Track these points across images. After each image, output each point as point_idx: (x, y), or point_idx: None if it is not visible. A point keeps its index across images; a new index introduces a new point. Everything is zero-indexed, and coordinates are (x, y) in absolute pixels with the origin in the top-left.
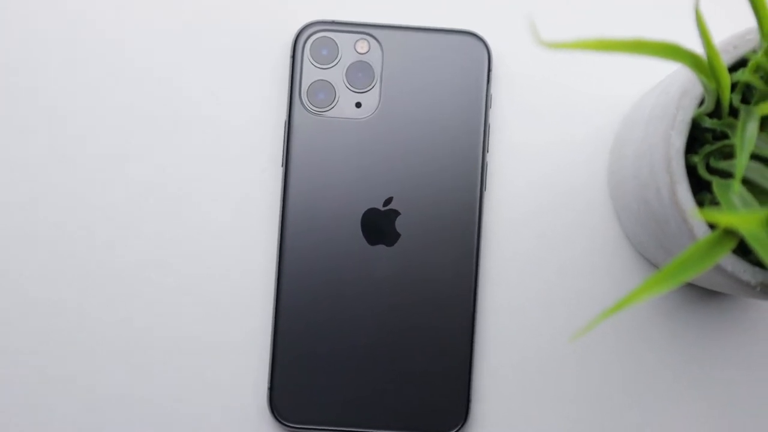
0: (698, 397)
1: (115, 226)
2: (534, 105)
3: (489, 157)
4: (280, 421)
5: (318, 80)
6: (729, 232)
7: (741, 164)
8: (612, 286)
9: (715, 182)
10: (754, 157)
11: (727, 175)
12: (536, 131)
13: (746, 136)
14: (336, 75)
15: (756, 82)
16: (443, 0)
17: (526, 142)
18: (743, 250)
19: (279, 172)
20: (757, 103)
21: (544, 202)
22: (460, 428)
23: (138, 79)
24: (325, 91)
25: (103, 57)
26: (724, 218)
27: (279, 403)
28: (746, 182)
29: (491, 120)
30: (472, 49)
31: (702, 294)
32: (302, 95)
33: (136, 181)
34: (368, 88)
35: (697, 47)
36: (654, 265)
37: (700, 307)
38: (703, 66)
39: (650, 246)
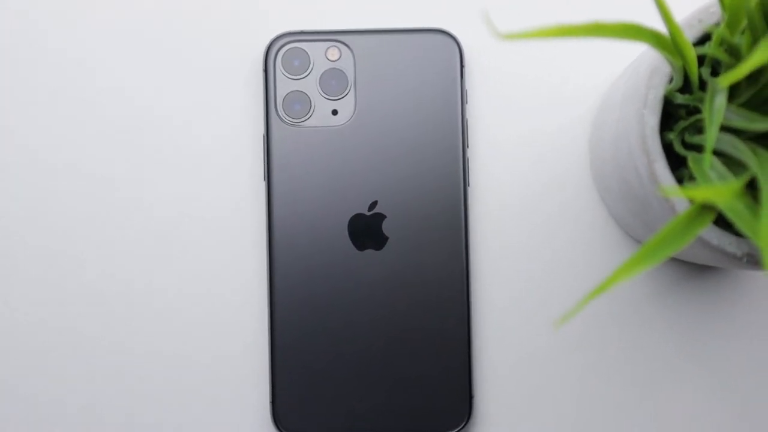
0: (699, 371)
1: (100, 248)
2: (510, 97)
3: (470, 153)
4: None
5: (292, 91)
6: (707, 206)
7: (711, 137)
8: (604, 269)
9: (691, 157)
10: (726, 129)
11: (702, 149)
12: (515, 123)
13: (714, 109)
14: (310, 84)
15: (720, 55)
16: (410, 0)
17: (506, 135)
18: (727, 223)
19: (262, 185)
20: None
21: (529, 192)
22: (464, 426)
23: (110, 99)
24: (300, 102)
25: (74, 78)
26: (699, 193)
27: (282, 414)
28: (721, 154)
29: (468, 115)
30: (443, 47)
31: (694, 270)
32: (278, 108)
33: (117, 204)
34: (343, 95)
35: (661, 26)
36: None
37: (693, 282)
38: (666, 43)
39: (637, 226)
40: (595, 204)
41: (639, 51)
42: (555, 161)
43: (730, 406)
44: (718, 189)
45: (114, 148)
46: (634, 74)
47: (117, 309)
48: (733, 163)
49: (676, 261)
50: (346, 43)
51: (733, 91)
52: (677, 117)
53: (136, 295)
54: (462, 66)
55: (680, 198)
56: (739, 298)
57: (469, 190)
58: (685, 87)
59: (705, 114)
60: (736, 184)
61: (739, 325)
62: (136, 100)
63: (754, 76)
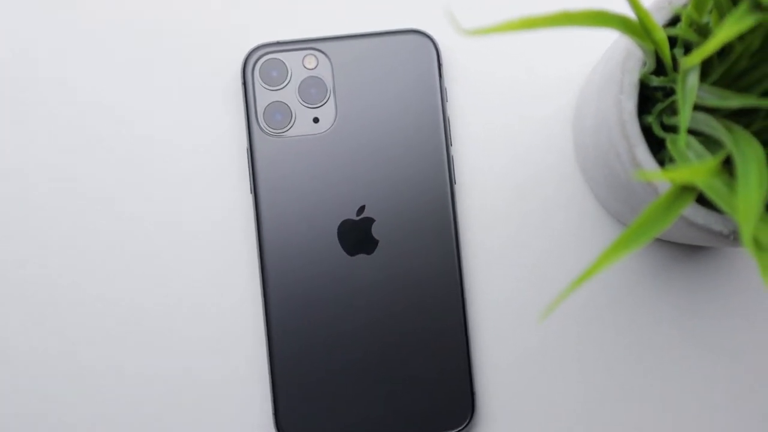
0: (697, 350)
1: (90, 270)
2: (490, 93)
3: (453, 151)
4: None
5: (272, 102)
6: (687, 187)
7: (684, 117)
8: (597, 257)
9: (669, 139)
10: (701, 108)
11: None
12: (497, 118)
13: (687, 89)
14: (289, 94)
15: (690, 35)
16: (383, 3)
17: (489, 131)
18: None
19: (249, 198)
20: None
21: (516, 186)
22: (467, 423)
23: (92, 116)
24: (281, 112)
25: (54, 96)
26: (676, 174)
27: (286, 424)
28: (699, 134)
29: (449, 113)
30: (420, 47)
31: (686, 250)
32: (259, 119)
33: (105, 224)
34: (323, 102)
35: (630, 11)
36: None
37: (686, 263)
38: (634, 27)
39: (625, 212)
40: (583, 193)
41: (613, 39)
42: (540, 153)
43: (729, 381)
44: (695, 169)
45: (98, 166)
46: (609, 61)
47: (111, 330)
48: (711, 142)
49: (667, 243)
50: (323, 50)
51: (706, 70)
52: (654, 100)
53: (129, 315)
54: (439, 64)
55: (662, 180)
56: (731, 276)
57: (456, 187)
58: (661, 69)
59: (678, 94)
60: (711, 162)
61: (734, 302)
62: (117, 117)
63: (725, 54)
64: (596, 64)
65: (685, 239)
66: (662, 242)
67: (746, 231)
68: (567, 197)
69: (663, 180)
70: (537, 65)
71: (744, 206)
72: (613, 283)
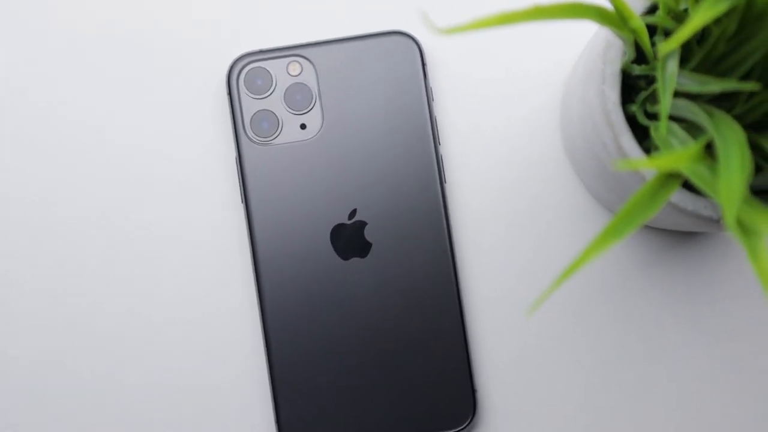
0: (697, 334)
1: (86, 285)
2: (476, 91)
3: (442, 150)
4: None
5: (259, 111)
6: (672, 173)
7: (665, 104)
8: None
9: (652, 126)
10: (682, 94)
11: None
12: (484, 115)
13: (667, 76)
14: (275, 102)
15: (668, 22)
16: (364, 7)
17: (477, 128)
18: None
19: (240, 208)
20: None
21: (507, 182)
22: (470, 422)
23: (79, 132)
24: (267, 120)
25: (40, 113)
26: (659, 162)
27: (289, 431)
28: (682, 120)
29: (436, 112)
30: (403, 47)
31: (680, 237)
32: (246, 129)
33: (98, 239)
34: (309, 108)
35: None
36: None
37: (681, 250)
38: (610, 17)
39: (616, 202)
40: (574, 185)
41: (595, 30)
42: (529, 148)
43: (729, 363)
44: (677, 155)
45: (88, 180)
46: (591, 53)
47: (109, 346)
48: (694, 128)
49: (661, 230)
50: (306, 56)
51: (686, 56)
52: (638, 89)
53: (126, 330)
54: (423, 64)
55: (648, 168)
56: (725, 260)
57: (447, 186)
58: (642, 58)
59: (658, 82)
60: (694, 148)
61: (728, 285)
62: (104, 131)
63: (704, 40)
64: (579, 56)
65: (677, 226)
66: (655, 230)
67: (729, 214)
68: (558, 190)
69: (647, 168)
70: (522, 60)
71: (726, 189)
72: (608, 274)
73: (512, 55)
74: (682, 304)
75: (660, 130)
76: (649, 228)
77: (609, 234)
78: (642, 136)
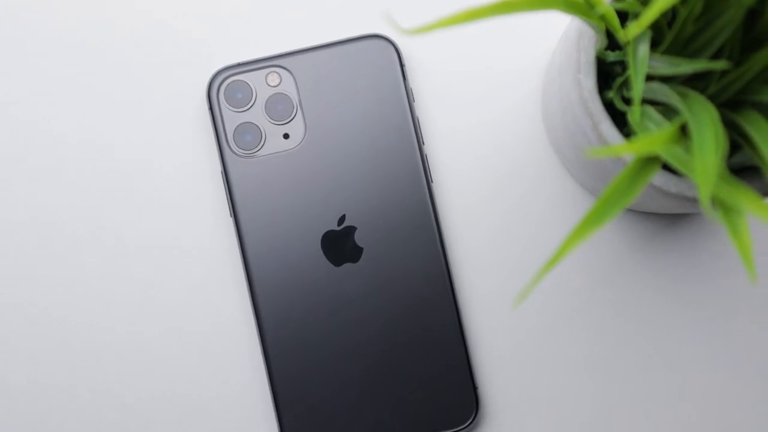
0: (694, 315)
1: (82, 303)
2: (457, 88)
3: (427, 149)
4: None
5: (241, 124)
6: (651, 157)
7: (637, 88)
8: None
9: (629, 111)
10: (656, 78)
11: (642, 102)
12: (466, 112)
13: (638, 59)
14: (257, 114)
15: (636, 8)
16: (339, 13)
17: (460, 125)
18: None
19: (229, 222)
20: None
21: (493, 177)
22: (473, 419)
23: (65, 149)
24: (250, 133)
25: (24, 129)
26: (634, 146)
27: None
28: (658, 104)
29: (418, 113)
30: (380, 51)
31: (669, 219)
32: (230, 142)
33: (90, 257)
34: (291, 118)
35: None
36: None
37: (672, 231)
38: (578, 5)
39: (602, 190)
40: (561, 176)
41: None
42: (513, 142)
43: (726, 341)
44: (652, 138)
45: (77, 198)
46: (565, 43)
47: (106, 363)
48: (670, 111)
49: (651, 215)
50: (284, 66)
51: (659, 39)
52: (614, 75)
53: (123, 346)
54: (402, 66)
55: (626, 154)
56: (715, 239)
57: (434, 186)
58: (617, 44)
59: (630, 66)
60: (668, 130)
61: (722, 263)
62: (90, 150)
63: (673, 20)
64: (555, 47)
65: (665, 209)
66: (646, 214)
67: (704, 192)
68: (545, 182)
69: (623, 153)
70: (501, 55)
71: (701, 168)
72: (601, 261)
73: (491, 51)
74: (676, 286)
75: (633, 114)
76: (639, 213)
77: (590, 221)
78: (623, 122)
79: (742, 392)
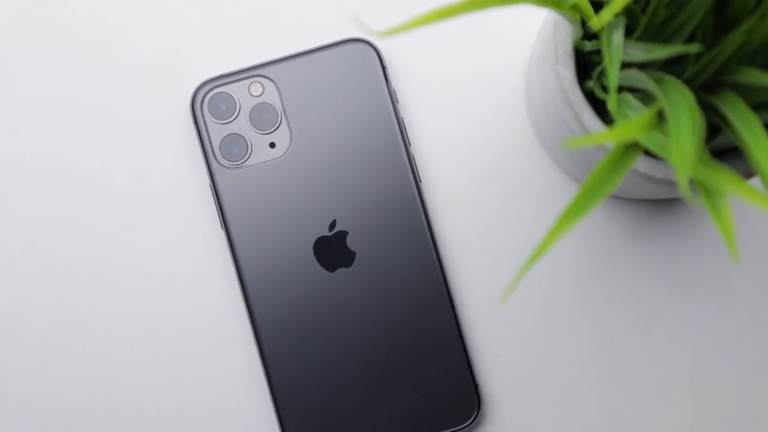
0: (691, 297)
1: (81, 324)
2: (440, 87)
3: (413, 150)
4: None
5: (226, 135)
6: (632, 143)
7: (613, 75)
8: (574, 230)
9: (608, 99)
10: (633, 65)
11: (621, 90)
12: (451, 110)
13: (613, 47)
14: (241, 125)
15: None
16: (318, 19)
17: (445, 124)
18: None
19: (221, 234)
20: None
21: (482, 173)
22: (476, 415)
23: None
24: (236, 144)
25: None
26: (612, 134)
27: None
28: (637, 90)
29: (403, 114)
30: (361, 54)
31: (660, 205)
32: (216, 155)
33: (85, 277)
34: (276, 127)
35: None
36: None
37: (665, 216)
38: None
39: None
40: (549, 168)
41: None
42: (500, 137)
43: (724, 322)
44: (629, 125)
45: (66, 220)
46: (543, 35)
47: (106, 384)
48: (649, 97)
49: (643, 202)
50: (266, 75)
51: (633, 26)
52: (593, 64)
53: (122, 365)
54: (384, 68)
55: (605, 142)
56: (708, 221)
57: (422, 186)
58: (594, 33)
59: (605, 54)
60: (645, 116)
61: (718, 245)
62: (79, 172)
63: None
64: (535, 41)
65: (653, 195)
66: (638, 202)
67: (682, 175)
68: (534, 175)
69: (602, 142)
70: (482, 52)
71: (677, 150)
72: (595, 250)
73: (472, 48)
74: (673, 271)
75: (610, 102)
76: (631, 201)
77: (572, 211)
78: (605, 111)
79: (743, 369)
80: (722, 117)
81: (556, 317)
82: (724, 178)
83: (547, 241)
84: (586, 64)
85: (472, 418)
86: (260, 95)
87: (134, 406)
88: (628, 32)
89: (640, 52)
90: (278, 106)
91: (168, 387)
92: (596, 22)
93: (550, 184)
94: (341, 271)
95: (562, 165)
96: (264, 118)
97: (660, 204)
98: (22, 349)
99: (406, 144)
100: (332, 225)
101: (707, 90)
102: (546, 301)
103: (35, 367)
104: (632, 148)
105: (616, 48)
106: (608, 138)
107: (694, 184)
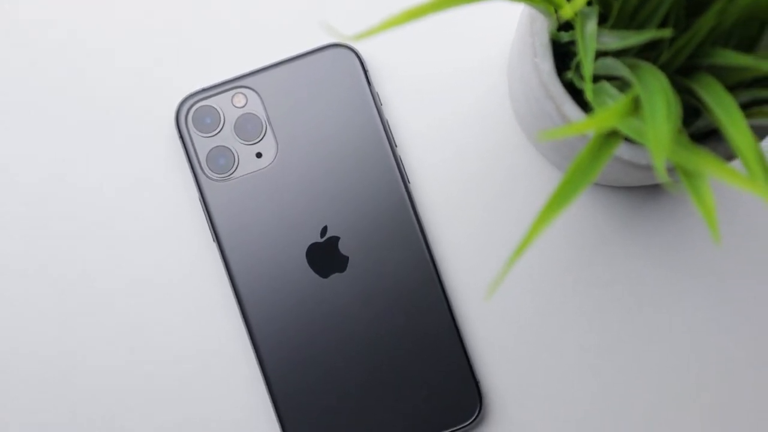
0: (687, 280)
1: (78, 340)
2: (423, 87)
3: (400, 151)
4: None
5: (213, 148)
6: (612, 132)
7: (587, 64)
8: (566, 221)
9: (585, 90)
10: (608, 53)
11: (599, 78)
12: (435, 109)
13: (586, 36)
14: (227, 136)
15: None
16: (296, 27)
17: (430, 123)
18: None
19: (213, 246)
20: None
21: (470, 170)
22: (479, 412)
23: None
24: (223, 156)
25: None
26: (589, 123)
27: None
28: (614, 78)
29: (387, 116)
30: (342, 59)
31: (651, 191)
32: (204, 168)
33: (79, 295)
34: (261, 137)
35: None
36: None
37: (657, 202)
38: None
39: None
40: (538, 162)
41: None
42: (486, 133)
43: (722, 302)
44: (606, 113)
45: (55, 239)
46: (520, 29)
47: (106, 399)
48: (627, 85)
49: (635, 188)
50: (249, 86)
51: (607, 15)
52: (571, 55)
53: (123, 381)
54: (365, 71)
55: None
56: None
57: (411, 187)
58: (570, 24)
59: (578, 43)
60: (621, 103)
61: (705, 229)
62: (68, 190)
63: None
64: (514, 36)
65: (641, 181)
66: (628, 189)
67: (658, 159)
68: (522, 169)
69: (578, 132)
70: (463, 50)
71: (653, 135)
72: (589, 239)
73: (453, 48)
74: (667, 255)
75: (587, 90)
76: (622, 189)
77: (555, 202)
78: (587, 101)
79: (742, 356)
80: (700, 99)
81: (553, 309)
82: (703, 161)
83: (531, 232)
84: (564, 55)
85: (474, 416)
86: (244, 106)
87: (135, 417)
88: (602, 21)
89: (615, 40)
90: (262, 115)
91: (167, 401)
92: (567, 10)
93: (539, 178)
94: (335, 277)
95: (550, 158)
96: (249, 128)
97: (650, 190)
98: (15, 363)
99: (393, 146)
100: (323, 231)
101: (684, 74)
102: (541, 295)
103: (28, 381)
104: (612, 136)
105: (590, 37)
106: (585, 127)
107: (671, 167)
